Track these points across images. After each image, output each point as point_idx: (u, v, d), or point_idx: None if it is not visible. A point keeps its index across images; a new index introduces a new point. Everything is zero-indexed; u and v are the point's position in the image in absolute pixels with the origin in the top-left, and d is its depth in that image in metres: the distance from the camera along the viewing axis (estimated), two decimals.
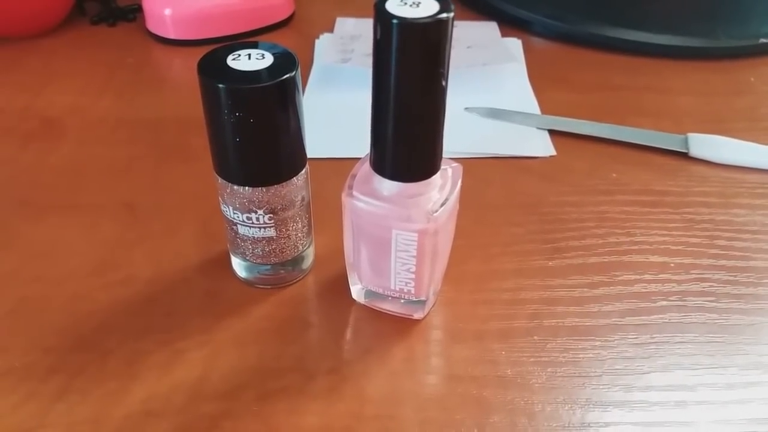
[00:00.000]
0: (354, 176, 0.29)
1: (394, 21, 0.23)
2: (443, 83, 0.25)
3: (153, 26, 0.55)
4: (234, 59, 0.27)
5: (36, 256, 0.35)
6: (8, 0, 0.51)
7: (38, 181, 0.40)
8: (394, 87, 0.25)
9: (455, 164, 0.30)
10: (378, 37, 0.24)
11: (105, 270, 0.34)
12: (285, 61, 0.27)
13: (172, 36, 0.54)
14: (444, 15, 0.23)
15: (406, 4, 0.23)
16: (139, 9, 0.57)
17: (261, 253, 0.32)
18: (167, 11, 0.53)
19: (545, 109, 0.47)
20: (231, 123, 0.27)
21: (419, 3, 0.24)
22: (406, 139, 0.26)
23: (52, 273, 0.34)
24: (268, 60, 0.27)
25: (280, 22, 0.57)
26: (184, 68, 0.53)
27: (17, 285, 0.33)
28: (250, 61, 0.27)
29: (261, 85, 0.26)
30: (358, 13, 0.59)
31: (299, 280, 0.34)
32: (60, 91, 0.48)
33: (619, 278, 0.34)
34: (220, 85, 0.26)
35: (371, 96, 0.26)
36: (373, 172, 0.28)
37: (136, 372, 0.29)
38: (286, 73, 0.27)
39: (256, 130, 0.27)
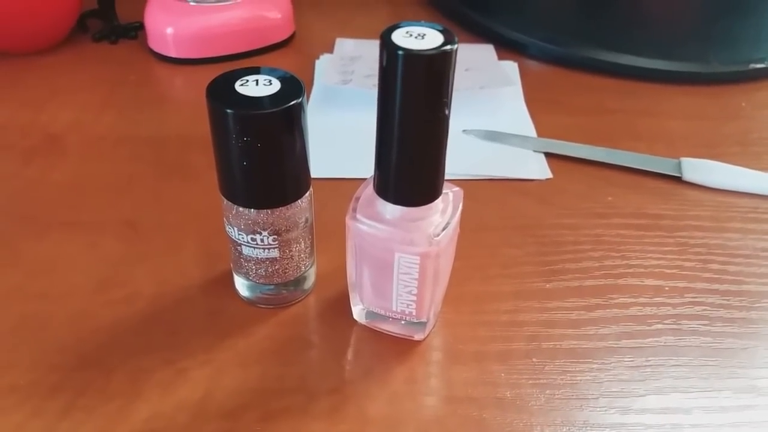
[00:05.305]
0: (357, 199, 0.30)
1: (400, 52, 0.24)
2: (446, 111, 0.26)
3: (154, 44, 0.55)
4: (242, 85, 0.28)
5: (38, 273, 0.35)
6: (11, 16, 0.52)
7: (41, 198, 0.41)
8: (398, 115, 0.25)
9: (456, 188, 0.30)
10: (384, 66, 0.25)
11: (107, 287, 0.34)
12: (291, 87, 0.28)
13: (173, 54, 0.55)
14: (448, 47, 0.24)
15: (411, 35, 0.24)
16: (140, 27, 0.58)
17: (264, 273, 0.32)
18: (169, 30, 0.54)
19: (541, 131, 0.48)
20: (238, 147, 0.27)
21: (424, 35, 0.24)
22: (410, 165, 0.27)
23: (54, 290, 0.34)
24: (275, 86, 0.28)
25: (280, 42, 0.57)
26: (186, 86, 0.53)
27: (20, 301, 0.34)
28: (257, 86, 0.27)
29: (268, 111, 0.27)
30: (358, 34, 0.59)
31: (301, 300, 0.34)
32: (62, 107, 0.49)
33: (615, 301, 0.35)
34: (229, 111, 0.26)
35: (376, 123, 0.26)
36: (376, 196, 0.28)
37: (139, 390, 0.29)
38: (293, 99, 0.27)
39: (263, 154, 0.28)
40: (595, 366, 0.31)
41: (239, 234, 0.31)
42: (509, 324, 0.33)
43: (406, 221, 0.28)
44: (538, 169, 0.44)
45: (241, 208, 0.30)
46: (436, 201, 0.28)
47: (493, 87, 0.51)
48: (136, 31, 0.59)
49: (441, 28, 0.25)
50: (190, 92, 0.52)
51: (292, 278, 0.33)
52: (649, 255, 0.38)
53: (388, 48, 0.24)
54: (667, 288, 0.36)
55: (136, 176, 0.43)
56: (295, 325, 0.33)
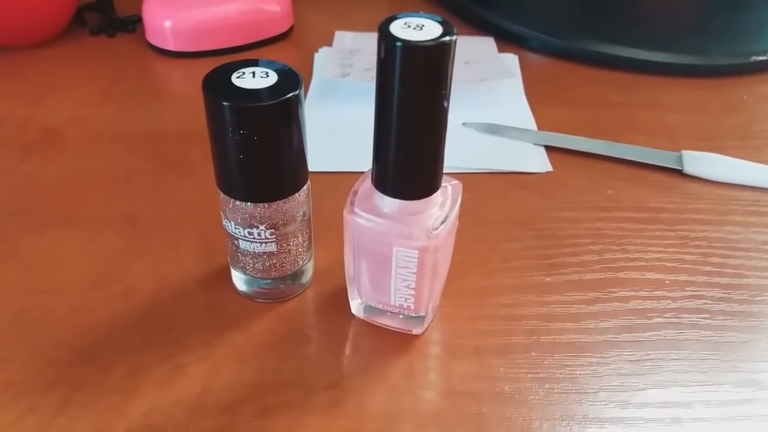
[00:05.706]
0: (355, 193, 0.29)
1: (398, 43, 0.23)
2: (445, 104, 0.25)
3: (152, 38, 0.55)
4: (238, 77, 0.27)
5: (36, 268, 0.35)
6: (8, 10, 0.51)
7: (39, 192, 0.40)
8: (396, 107, 0.25)
9: (455, 182, 0.30)
10: (382, 58, 0.24)
11: (105, 282, 0.34)
12: (289, 80, 0.28)
13: (171, 48, 0.54)
14: (447, 38, 0.24)
15: (410, 26, 0.24)
16: (138, 20, 0.57)
17: (261, 267, 0.32)
18: (167, 23, 0.53)
19: (541, 124, 0.48)
20: (235, 140, 0.27)
21: (423, 26, 0.24)
22: (408, 157, 0.27)
23: (52, 285, 0.34)
24: (272, 78, 0.27)
25: (279, 35, 0.57)
26: (184, 80, 0.53)
27: (17, 296, 0.33)
28: (254, 79, 0.27)
29: (265, 103, 0.26)
30: (357, 27, 0.59)
31: (298, 295, 0.34)
32: (60, 101, 0.49)
33: (615, 295, 0.34)
34: (225, 103, 0.26)
35: (374, 115, 0.26)
36: (374, 189, 0.28)
37: (137, 386, 0.29)
38: (290, 92, 0.27)
39: (259, 147, 0.27)
40: (594, 360, 0.31)
41: (236, 228, 0.30)
42: (508, 318, 0.33)
43: (405, 215, 0.28)
44: (538, 162, 0.44)
45: (237, 202, 0.29)
46: (434, 194, 0.28)
47: (493, 80, 0.51)
48: (134, 24, 0.58)
49: (440, 20, 0.24)
50: (188, 86, 0.52)
51: (289, 272, 0.33)
52: (650, 248, 0.37)
53: (386, 39, 0.24)
54: (667, 281, 0.35)
55: (134, 171, 0.42)
56: (293, 319, 0.33)
